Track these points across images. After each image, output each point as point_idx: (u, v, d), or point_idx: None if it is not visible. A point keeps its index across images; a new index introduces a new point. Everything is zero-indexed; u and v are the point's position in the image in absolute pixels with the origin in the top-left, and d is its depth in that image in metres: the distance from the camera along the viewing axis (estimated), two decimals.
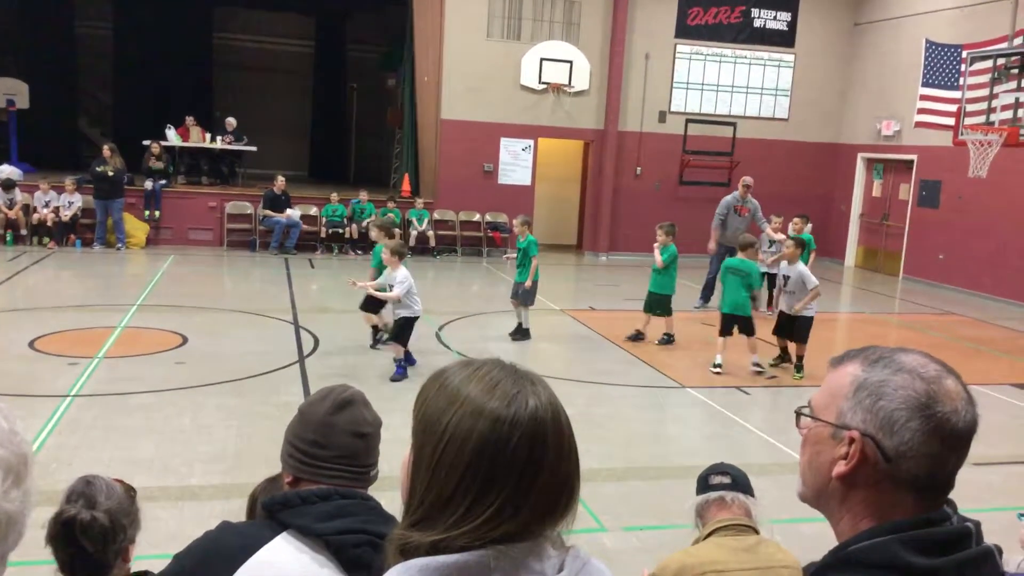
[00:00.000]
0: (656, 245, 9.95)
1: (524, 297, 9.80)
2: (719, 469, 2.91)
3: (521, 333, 9.88)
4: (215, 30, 21.79)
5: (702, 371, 8.81)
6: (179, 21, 19.61)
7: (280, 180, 15.48)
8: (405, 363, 8.05)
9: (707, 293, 12.30)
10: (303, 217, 15.62)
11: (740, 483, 2.86)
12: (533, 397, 1.24)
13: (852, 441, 1.23)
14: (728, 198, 12.53)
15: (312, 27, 22.80)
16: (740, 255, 8.99)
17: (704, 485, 2.88)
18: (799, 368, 8.71)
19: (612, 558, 4.75)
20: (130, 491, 2.28)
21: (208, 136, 16.55)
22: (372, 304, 8.69)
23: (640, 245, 17.34)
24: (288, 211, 15.38)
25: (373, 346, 8.90)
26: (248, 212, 15.63)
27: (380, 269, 8.58)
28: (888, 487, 1.23)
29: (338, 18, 21.65)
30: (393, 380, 7.80)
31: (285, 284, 12.56)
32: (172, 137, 16.03)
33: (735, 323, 8.74)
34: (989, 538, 1.24)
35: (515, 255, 10.12)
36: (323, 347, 8.86)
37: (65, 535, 2.10)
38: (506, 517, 1.17)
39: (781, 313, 8.94)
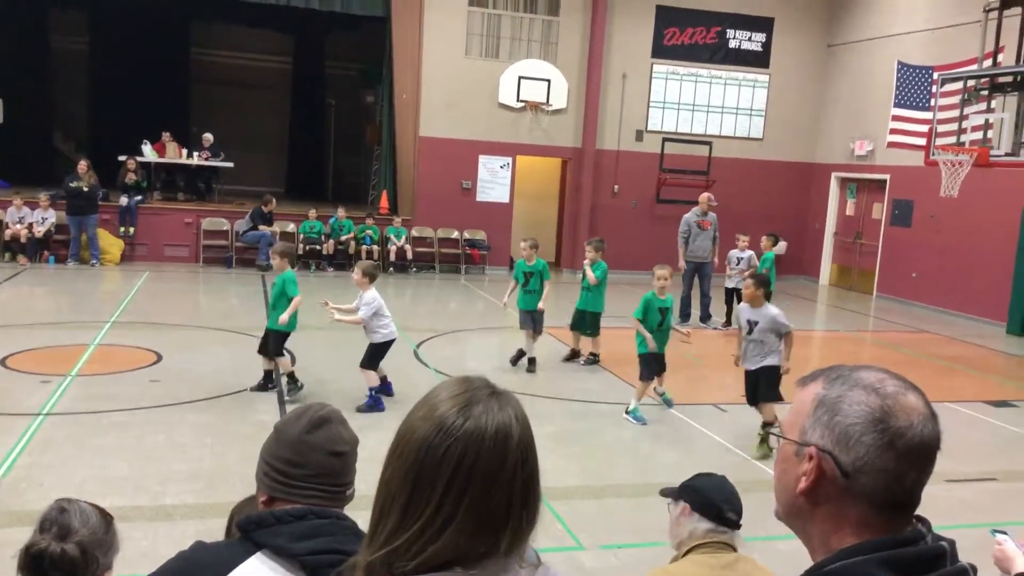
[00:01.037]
0: (586, 262, 9.76)
1: (538, 323, 9.35)
2: (733, 503, 2.78)
3: (530, 363, 9.26)
4: (193, 45, 21.73)
5: (679, 388, 8.83)
6: (156, 36, 19.54)
7: (272, 200, 15.55)
8: (378, 393, 7.54)
9: (686, 310, 12.39)
10: (281, 234, 15.56)
11: (739, 519, 2.81)
12: (488, 415, 1.24)
13: (811, 458, 1.25)
14: (688, 215, 12.83)
15: (290, 43, 22.80)
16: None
17: (718, 514, 2.77)
18: (764, 440, 6.96)
19: None
20: (106, 517, 2.24)
21: (185, 152, 16.47)
22: (268, 346, 7.87)
23: (618, 263, 17.41)
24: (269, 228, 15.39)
25: (255, 389, 7.80)
26: (225, 228, 15.54)
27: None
28: (849, 503, 1.24)
29: (317, 35, 21.66)
30: (359, 411, 7.15)
31: (261, 301, 12.48)
32: (148, 152, 15.93)
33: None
34: (963, 555, 1.26)
35: (511, 298, 9.56)
36: (299, 364, 8.79)
37: (35, 567, 2.08)
38: (436, 530, 1.18)
39: (748, 373, 7.15)
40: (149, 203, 15.54)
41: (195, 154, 16.50)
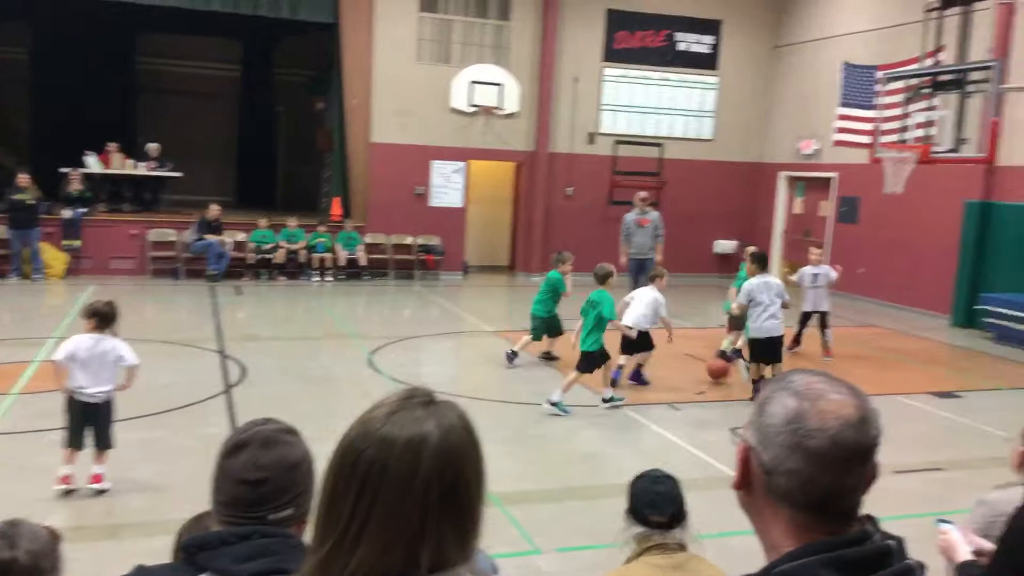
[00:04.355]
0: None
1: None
2: (658, 505, 2.83)
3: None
4: (138, 54, 21.30)
5: (633, 389, 8.86)
6: (100, 46, 19.11)
7: (215, 208, 15.23)
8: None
9: None
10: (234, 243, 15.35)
11: (676, 515, 2.83)
12: (406, 423, 1.21)
13: (740, 452, 1.31)
14: (628, 214, 13.26)
15: (239, 51, 22.47)
16: (599, 286, 8.34)
17: (642, 518, 2.83)
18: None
19: None
20: (54, 535, 2.21)
21: (131, 162, 16.15)
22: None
23: (572, 265, 17.47)
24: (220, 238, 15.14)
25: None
26: (172, 239, 15.27)
27: None
28: (777, 502, 1.26)
29: (265, 42, 21.40)
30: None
31: (210, 312, 12.27)
32: (92, 163, 15.59)
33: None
34: (910, 545, 1.26)
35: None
36: (251, 376, 8.66)
37: None
38: (351, 541, 1.16)
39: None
40: (94, 215, 15.20)
41: (141, 164, 16.18)
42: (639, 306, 8.77)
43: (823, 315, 10.74)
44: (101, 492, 5.63)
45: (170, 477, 5.95)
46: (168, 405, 7.52)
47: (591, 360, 8.03)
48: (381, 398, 1.28)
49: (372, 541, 1.15)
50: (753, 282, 8.52)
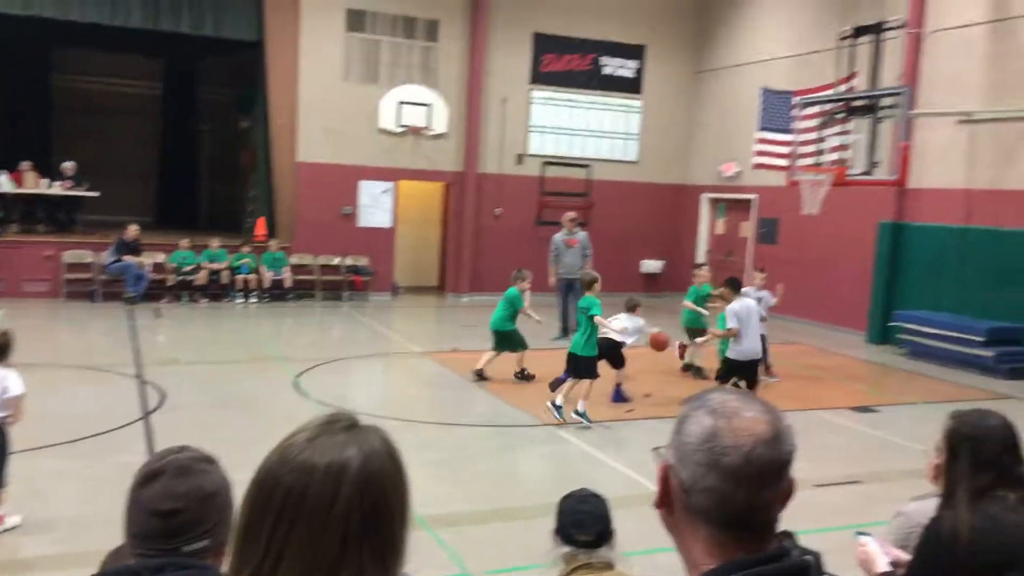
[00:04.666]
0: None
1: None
2: (583, 524, 2.84)
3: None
4: (54, 71, 20.61)
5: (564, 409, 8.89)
6: (13, 62, 18.41)
7: (133, 228, 14.81)
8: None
9: (564, 324, 12.73)
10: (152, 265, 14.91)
11: (603, 533, 2.84)
12: (327, 448, 1.19)
13: (661, 471, 1.32)
14: (557, 235, 13.42)
15: (160, 68, 21.94)
16: (585, 292, 8.71)
17: (568, 537, 2.84)
18: None
19: None
20: None
21: (45, 181, 15.59)
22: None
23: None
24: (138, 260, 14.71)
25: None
26: (88, 261, 14.76)
27: None
28: (695, 520, 1.27)
29: (187, 59, 20.95)
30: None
31: (128, 336, 11.88)
32: (4, 183, 15.00)
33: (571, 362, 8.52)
34: (829, 557, 1.28)
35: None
36: (171, 401, 8.40)
37: None
38: (269, 569, 1.13)
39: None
40: (7, 236, 14.61)
41: (56, 183, 15.64)
42: (623, 321, 9.25)
43: (762, 338, 10.85)
44: (5, 531, 5.33)
45: (85, 508, 5.70)
46: (83, 432, 7.23)
47: (590, 364, 8.37)
48: (303, 423, 1.25)
49: (290, 570, 1.13)
50: (735, 307, 8.74)
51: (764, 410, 1.29)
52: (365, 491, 1.18)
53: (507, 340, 10.04)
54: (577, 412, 8.20)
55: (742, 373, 8.63)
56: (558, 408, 8.26)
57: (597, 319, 8.37)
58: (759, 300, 10.65)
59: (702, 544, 1.27)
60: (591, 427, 8.15)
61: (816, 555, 1.27)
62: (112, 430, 7.39)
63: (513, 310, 10.07)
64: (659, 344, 9.45)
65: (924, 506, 3.00)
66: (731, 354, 8.79)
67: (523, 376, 10.02)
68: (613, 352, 9.03)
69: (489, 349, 10.06)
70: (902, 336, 13.17)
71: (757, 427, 1.26)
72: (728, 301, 8.89)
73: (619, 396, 9.24)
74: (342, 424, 1.24)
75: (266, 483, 1.17)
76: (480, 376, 9.90)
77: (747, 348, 8.67)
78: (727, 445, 1.24)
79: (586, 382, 8.32)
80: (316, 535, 1.14)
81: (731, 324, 8.71)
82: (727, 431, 1.26)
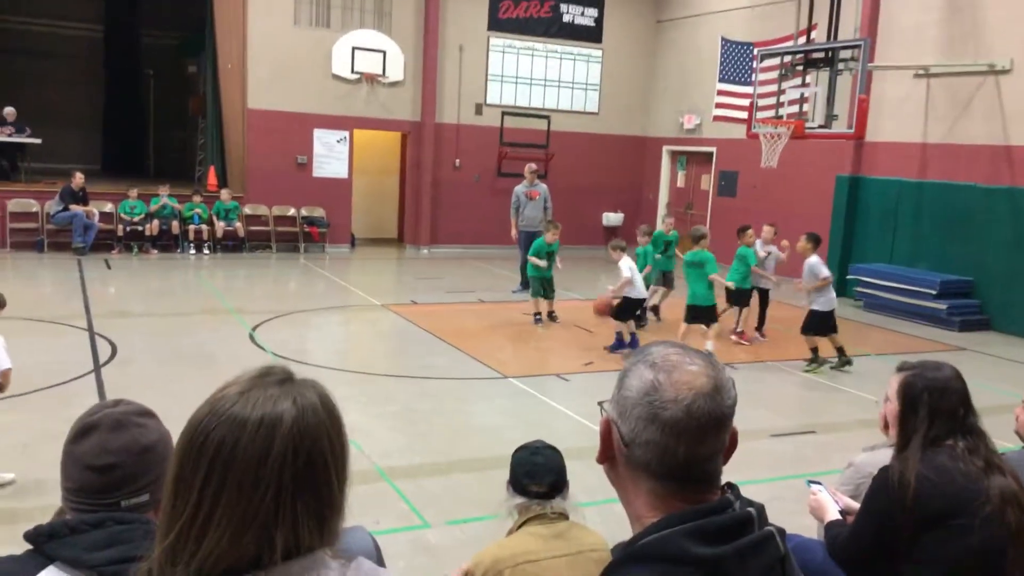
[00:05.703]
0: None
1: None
2: (537, 475, 2.84)
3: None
4: None
5: (525, 361, 8.90)
6: None
7: (79, 176, 14.38)
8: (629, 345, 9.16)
9: (524, 279, 12.63)
10: (100, 215, 14.51)
11: (556, 484, 2.84)
12: (259, 402, 1.16)
13: (603, 426, 1.33)
14: (518, 187, 13.18)
15: (99, 8, 21.12)
16: (694, 247, 9.24)
17: (521, 488, 2.84)
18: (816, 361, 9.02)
19: (437, 555, 4.69)
20: None
21: None
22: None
23: (461, 238, 17.41)
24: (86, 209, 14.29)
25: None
26: (34, 210, 14.32)
27: None
28: (638, 473, 1.28)
29: (129, 0, 20.21)
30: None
31: (78, 287, 11.59)
32: None
33: (695, 313, 9.12)
34: (782, 504, 1.27)
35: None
36: (122, 355, 8.23)
37: None
38: (200, 526, 1.10)
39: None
40: None
41: None
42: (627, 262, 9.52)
43: (765, 294, 10.87)
44: None
45: (33, 462, 5.58)
46: (31, 386, 7.04)
47: (711, 311, 9.14)
48: (235, 376, 1.22)
49: (221, 526, 1.10)
50: (815, 259, 9.16)
51: (706, 363, 1.29)
52: (299, 446, 1.14)
53: (540, 286, 10.59)
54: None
55: (829, 324, 9.11)
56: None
57: (625, 276, 9.09)
58: (767, 254, 10.68)
59: (644, 497, 1.28)
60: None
61: (759, 507, 1.28)
62: (61, 383, 7.23)
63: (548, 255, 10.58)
64: (602, 310, 9.47)
65: (875, 456, 3.05)
66: (821, 306, 9.12)
67: (551, 318, 10.76)
68: (634, 309, 9.55)
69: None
70: (858, 289, 13.37)
71: (697, 380, 1.26)
72: (805, 256, 9.28)
73: (620, 344, 9.42)
74: (276, 377, 1.21)
75: (196, 437, 1.14)
76: (551, 317, 10.71)
77: (831, 298, 9.17)
78: (667, 399, 1.25)
79: (715, 326, 9.18)
80: (247, 490, 1.11)
81: (826, 274, 9.16)
82: (667, 384, 1.26)
